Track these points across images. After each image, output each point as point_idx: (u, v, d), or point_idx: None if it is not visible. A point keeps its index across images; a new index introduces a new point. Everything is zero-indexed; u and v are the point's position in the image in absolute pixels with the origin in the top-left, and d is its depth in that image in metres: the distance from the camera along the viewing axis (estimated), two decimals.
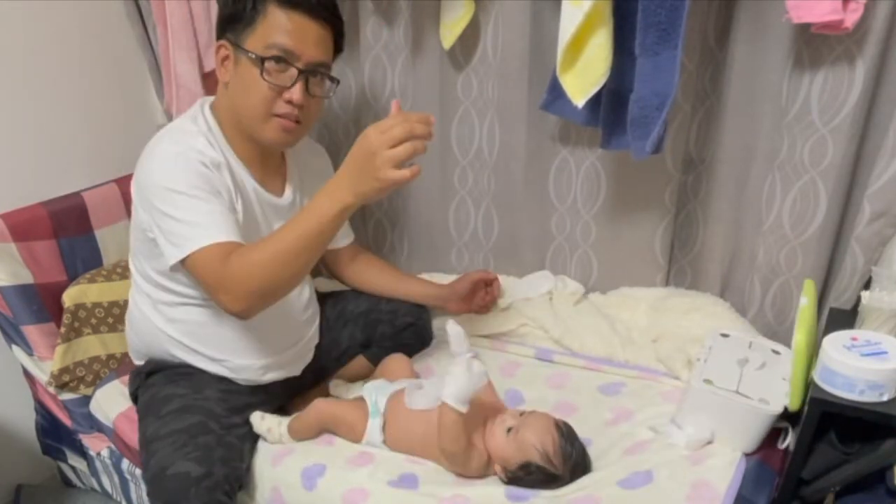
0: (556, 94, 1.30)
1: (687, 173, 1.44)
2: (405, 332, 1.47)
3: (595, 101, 1.24)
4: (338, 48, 1.20)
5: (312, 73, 1.13)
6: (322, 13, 1.12)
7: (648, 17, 1.12)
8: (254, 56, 1.09)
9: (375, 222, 1.81)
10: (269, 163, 1.25)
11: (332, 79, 1.19)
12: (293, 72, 1.11)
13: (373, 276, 1.50)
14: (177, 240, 1.06)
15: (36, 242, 1.43)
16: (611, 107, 1.28)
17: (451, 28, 1.40)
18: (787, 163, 1.28)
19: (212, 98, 1.22)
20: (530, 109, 1.44)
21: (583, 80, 1.21)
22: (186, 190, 1.06)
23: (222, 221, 1.07)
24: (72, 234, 1.50)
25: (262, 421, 1.24)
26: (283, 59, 1.10)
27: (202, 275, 1.06)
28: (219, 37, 1.15)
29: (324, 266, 1.56)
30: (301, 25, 1.10)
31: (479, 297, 1.53)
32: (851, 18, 1.05)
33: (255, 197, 1.21)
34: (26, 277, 1.41)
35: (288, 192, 1.28)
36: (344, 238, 1.49)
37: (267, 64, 1.09)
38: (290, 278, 1.05)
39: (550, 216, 1.58)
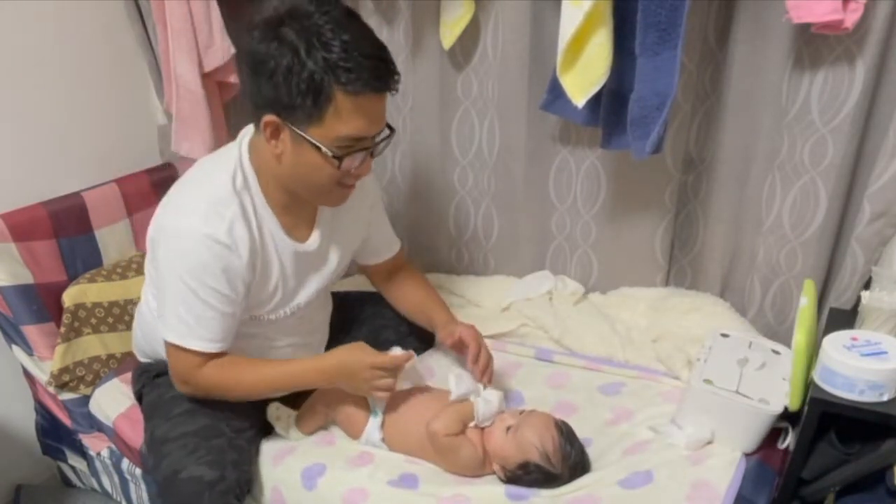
0: (556, 93, 1.30)
1: (687, 173, 1.44)
2: (409, 337, 1.46)
3: (595, 101, 1.24)
4: None
5: (378, 142, 1.09)
6: (386, 87, 1.03)
7: (648, 17, 1.12)
8: (329, 153, 1.02)
9: None
10: (301, 210, 1.19)
11: (392, 129, 1.12)
12: (363, 151, 1.07)
13: (402, 296, 1.44)
14: (165, 321, 1.12)
15: (36, 242, 1.43)
16: (611, 107, 1.28)
17: (451, 28, 1.40)
18: (787, 163, 1.28)
19: (249, 136, 1.13)
20: (530, 109, 1.44)
21: (583, 80, 1.21)
22: (200, 292, 1.07)
23: (218, 329, 1.11)
24: (72, 234, 1.50)
25: (276, 410, 1.26)
26: (356, 147, 1.05)
27: (175, 365, 1.15)
28: (263, 110, 1.02)
29: (362, 272, 1.50)
30: (369, 107, 1.02)
31: (472, 358, 1.30)
32: (851, 18, 1.05)
33: (280, 247, 1.16)
34: (26, 277, 1.41)
35: (314, 237, 1.22)
36: (387, 250, 1.41)
37: (343, 159, 1.04)
38: (245, 399, 1.20)
39: (550, 216, 1.58)
